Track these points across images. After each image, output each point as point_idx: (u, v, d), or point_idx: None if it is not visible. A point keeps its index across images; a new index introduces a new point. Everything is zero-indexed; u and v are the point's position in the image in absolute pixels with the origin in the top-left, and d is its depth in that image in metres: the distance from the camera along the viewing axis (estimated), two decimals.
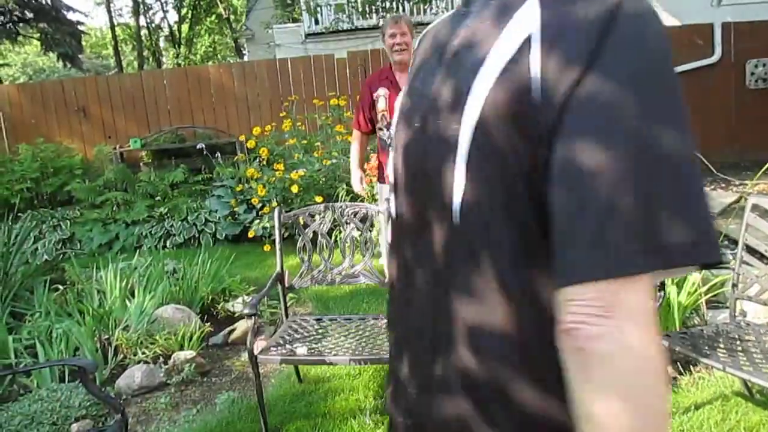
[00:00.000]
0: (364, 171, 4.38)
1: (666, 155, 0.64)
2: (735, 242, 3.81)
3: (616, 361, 0.62)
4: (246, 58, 20.77)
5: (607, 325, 0.62)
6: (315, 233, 3.23)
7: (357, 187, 4.24)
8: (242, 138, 7.28)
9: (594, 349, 0.62)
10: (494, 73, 0.72)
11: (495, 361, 0.74)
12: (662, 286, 2.70)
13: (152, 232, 6.80)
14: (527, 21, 0.71)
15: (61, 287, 4.31)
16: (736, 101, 8.29)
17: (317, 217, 3.20)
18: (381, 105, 3.94)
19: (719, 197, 6.47)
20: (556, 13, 0.69)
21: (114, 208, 7.18)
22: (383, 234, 3.88)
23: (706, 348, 2.54)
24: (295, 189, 6.04)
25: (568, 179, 0.65)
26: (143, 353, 3.57)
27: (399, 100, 1.37)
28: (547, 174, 0.67)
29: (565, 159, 0.65)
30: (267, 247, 5.86)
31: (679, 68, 8.19)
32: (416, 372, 0.86)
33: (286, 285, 3.18)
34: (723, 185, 7.28)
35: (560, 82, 0.66)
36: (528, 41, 0.69)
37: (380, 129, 3.99)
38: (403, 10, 11.10)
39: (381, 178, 4.17)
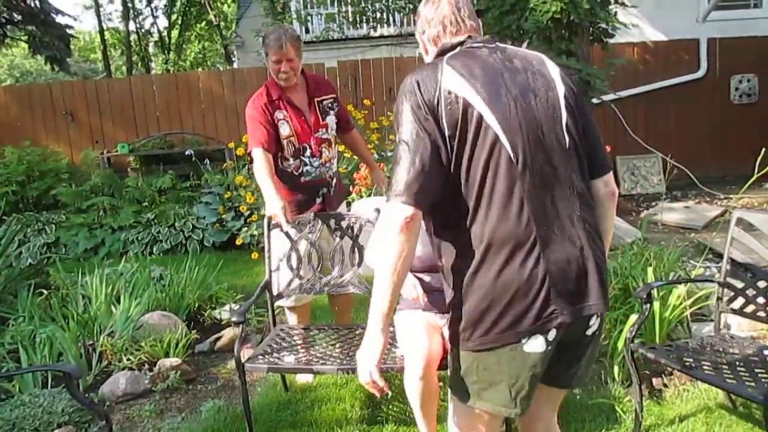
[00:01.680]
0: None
1: None
2: (720, 256, 3.85)
3: None
4: (236, 66, 20.75)
5: None
6: (305, 242, 3.23)
7: (283, 219, 3.05)
8: (231, 145, 7.25)
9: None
10: (558, 78, 1.71)
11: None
12: (648, 299, 2.72)
13: (139, 238, 6.76)
14: (552, 65, 1.75)
15: (45, 292, 4.27)
16: (721, 116, 8.39)
17: (306, 226, 3.19)
18: (285, 131, 3.24)
19: (704, 211, 6.54)
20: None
21: (100, 213, 7.13)
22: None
23: (691, 361, 2.56)
24: None
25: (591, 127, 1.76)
26: (128, 360, 3.55)
27: (462, 94, 1.60)
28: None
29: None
30: (255, 255, 5.84)
31: (666, 83, 8.30)
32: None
33: (274, 293, 3.17)
34: (708, 199, 7.36)
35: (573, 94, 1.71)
36: (560, 74, 1.73)
37: (286, 159, 3.29)
38: (393, 20, 11.15)
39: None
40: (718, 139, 8.35)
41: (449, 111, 1.54)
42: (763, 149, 3.68)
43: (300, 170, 3.30)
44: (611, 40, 6.90)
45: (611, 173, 1.78)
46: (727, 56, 8.30)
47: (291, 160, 3.29)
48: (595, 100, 6.54)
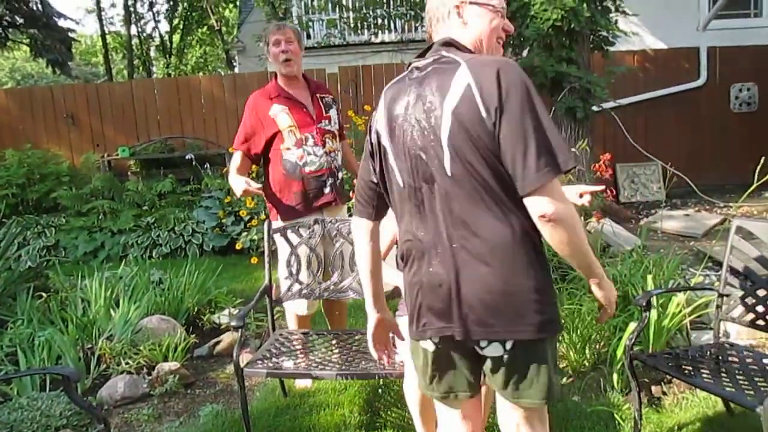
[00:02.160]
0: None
1: None
2: (719, 264, 3.85)
3: None
4: (237, 70, 20.79)
5: None
6: (304, 247, 3.23)
7: (252, 186, 3.19)
8: (232, 149, 7.25)
9: None
10: (456, 99, 1.60)
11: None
12: (647, 306, 2.72)
13: (138, 242, 6.76)
14: (465, 76, 1.59)
15: (44, 295, 4.27)
16: (720, 124, 8.40)
17: (306, 230, 3.20)
18: (284, 121, 3.28)
19: (703, 219, 6.54)
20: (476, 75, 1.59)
21: (100, 217, 7.14)
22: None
23: (690, 369, 2.56)
24: None
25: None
26: (127, 363, 3.54)
27: (377, 118, 1.78)
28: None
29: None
30: (254, 260, 5.85)
31: (666, 91, 8.31)
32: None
33: (274, 298, 3.17)
34: (707, 207, 7.36)
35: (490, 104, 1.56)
36: (469, 86, 1.58)
37: (288, 149, 3.31)
38: (394, 26, 11.18)
39: (291, 214, 3.34)
40: (717, 147, 8.36)
41: (371, 138, 1.82)
42: (763, 158, 3.69)
43: (303, 160, 3.31)
44: (612, 48, 6.91)
45: (540, 195, 1.53)
46: (727, 65, 8.32)
47: (293, 149, 3.31)
48: (595, 108, 6.55)
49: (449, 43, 1.71)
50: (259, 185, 3.27)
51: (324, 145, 3.34)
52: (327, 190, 3.35)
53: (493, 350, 1.68)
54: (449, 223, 1.65)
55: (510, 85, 1.55)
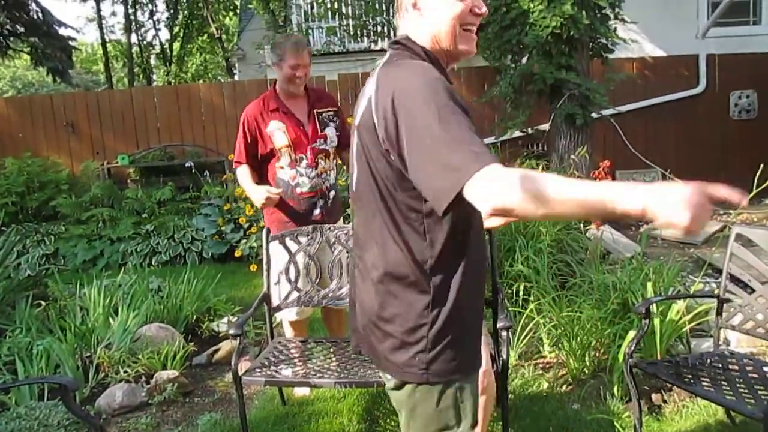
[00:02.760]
0: None
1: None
2: (719, 271, 3.85)
3: None
4: (237, 78, 20.84)
5: None
6: (303, 254, 3.22)
7: (273, 194, 3.19)
8: (231, 157, 7.22)
9: None
10: (360, 113, 1.48)
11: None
12: (647, 314, 2.71)
13: (138, 250, 6.76)
14: (371, 87, 1.44)
15: (43, 303, 4.26)
16: (720, 131, 8.40)
17: (305, 238, 3.19)
18: (280, 140, 3.27)
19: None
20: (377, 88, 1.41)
21: (99, 225, 7.13)
22: None
23: (690, 377, 2.55)
24: None
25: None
26: (125, 372, 3.53)
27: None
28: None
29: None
30: (253, 267, 5.83)
31: (665, 98, 8.31)
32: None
33: (273, 306, 3.16)
34: None
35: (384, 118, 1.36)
36: (370, 100, 1.42)
37: (282, 168, 3.30)
38: (394, 33, 11.20)
39: (283, 228, 3.29)
40: (717, 154, 8.36)
41: None
42: (762, 165, 3.68)
43: (296, 180, 3.30)
44: (611, 55, 6.93)
45: (463, 206, 1.26)
46: (726, 72, 8.33)
47: (287, 168, 3.31)
48: (594, 115, 6.56)
49: (397, 42, 1.53)
50: (278, 190, 3.24)
51: (316, 167, 3.33)
52: (317, 211, 3.35)
53: (386, 379, 1.57)
54: (354, 240, 1.62)
55: (403, 100, 1.33)
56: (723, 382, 2.50)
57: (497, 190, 1.19)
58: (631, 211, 1.12)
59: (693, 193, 1.12)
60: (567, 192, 1.17)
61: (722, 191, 1.18)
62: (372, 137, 1.41)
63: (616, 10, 6.60)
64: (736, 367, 2.63)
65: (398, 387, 1.52)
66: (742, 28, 9.41)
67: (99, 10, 21.30)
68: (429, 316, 1.43)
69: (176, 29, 23.52)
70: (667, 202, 1.10)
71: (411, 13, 1.52)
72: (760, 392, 2.39)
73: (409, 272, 1.43)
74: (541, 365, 3.59)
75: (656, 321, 3.18)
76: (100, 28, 21.39)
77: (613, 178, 8.05)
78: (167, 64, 24.07)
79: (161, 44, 24.43)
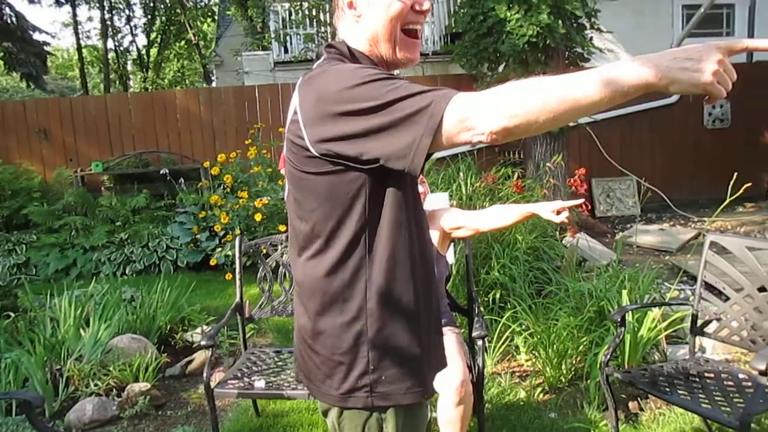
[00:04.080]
0: None
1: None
2: (694, 278, 3.87)
3: None
4: (214, 84, 20.71)
5: None
6: (277, 263, 3.18)
7: None
8: (207, 164, 7.19)
9: None
10: (288, 120, 1.32)
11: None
12: (623, 322, 2.71)
13: (111, 259, 6.65)
14: (295, 97, 1.29)
15: (12, 314, 4.15)
16: (694, 140, 8.52)
17: (279, 246, 3.15)
18: None
19: (678, 233, 6.60)
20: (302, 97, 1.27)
21: (72, 233, 7.00)
22: None
23: (666, 385, 2.55)
24: (258, 217, 5.98)
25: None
26: (96, 385, 3.45)
27: None
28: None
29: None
30: (229, 276, 5.75)
31: (641, 107, 8.41)
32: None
33: (246, 315, 3.11)
34: (682, 222, 7.43)
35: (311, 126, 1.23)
36: (296, 108, 1.27)
37: None
38: None
39: None
40: (691, 163, 8.48)
41: None
42: (736, 174, 3.72)
43: None
44: (587, 65, 6.98)
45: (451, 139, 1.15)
46: None
47: None
48: (571, 123, 6.60)
49: (331, 45, 1.38)
50: None
51: None
52: None
53: (321, 408, 1.45)
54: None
55: (321, 106, 1.21)
56: (699, 391, 2.51)
57: (493, 98, 1.08)
58: (644, 82, 1.03)
59: (711, 50, 1.02)
60: (570, 82, 1.06)
61: (745, 42, 1.06)
62: (298, 147, 1.27)
63: (593, 19, 6.67)
64: (712, 375, 2.64)
65: (324, 411, 1.43)
66: (716, 39, 9.52)
67: (75, 15, 21.09)
68: (370, 330, 1.31)
69: (153, 35, 23.36)
70: (682, 62, 1.02)
71: (347, 13, 1.37)
72: (735, 400, 2.40)
73: (351, 280, 1.30)
74: (518, 373, 3.58)
75: (632, 329, 3.19)
76: (76, 33, 21.17)
77: (589, 186, 8.13)
78: (144, 70, 23.88)
79: (138, 50, 24.26)
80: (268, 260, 3.15)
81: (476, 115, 1.08)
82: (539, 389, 3.35)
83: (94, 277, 5.52)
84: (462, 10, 7.27)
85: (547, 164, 6.19)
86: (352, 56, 1.35)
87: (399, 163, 1.15)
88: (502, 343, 3.65)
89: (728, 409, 2.33)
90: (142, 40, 25.59)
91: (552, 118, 1.07)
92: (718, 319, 2.80)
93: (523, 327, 3.66)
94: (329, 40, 11.12)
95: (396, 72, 1.50)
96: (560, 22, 6.13)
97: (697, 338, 2.98)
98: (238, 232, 6.01)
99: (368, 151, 1.17)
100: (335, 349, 1.32)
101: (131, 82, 26.17)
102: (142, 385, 3.43)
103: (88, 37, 24.02)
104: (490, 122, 1.08)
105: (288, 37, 11.50)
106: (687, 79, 1.01)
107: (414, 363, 1.35)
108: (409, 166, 1.14)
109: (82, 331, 3.87)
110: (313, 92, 1.25)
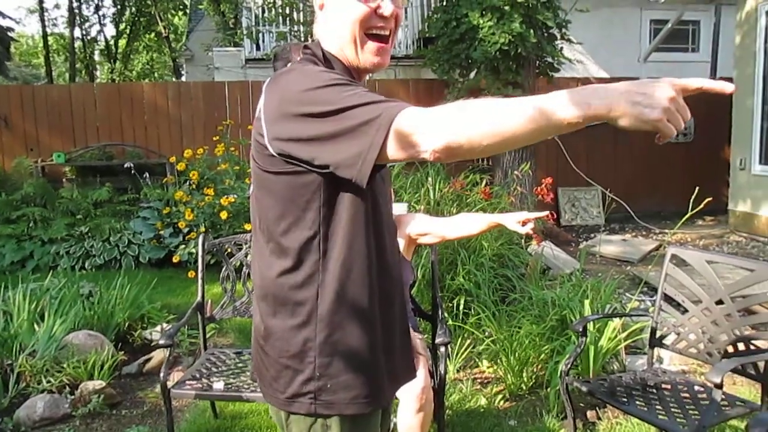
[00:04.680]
0: None
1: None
2: (654, 289, 3.93)
3: None
4: (184, 79, 20.43)
5: None
6: (241, 263, 3.14)
7: None
8: (173, 159, 7.07)
9: None
10: (255, 122, 1.28)
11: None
12: (584, 332, 2.73)
13: (70, 252, 6.49)
14: (263, 96, 1.27)
15: None
16: (658, 154, 8.66)
17: (244, 246, 3.11)
18: None
19: (640, 244, 6.71)
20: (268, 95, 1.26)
21: (30, 225, 6.81)
22: None
23: (624, 396, 2.58)
24: (224, 215, 5.90)
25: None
26: (48, 382, 3.35)
27: None
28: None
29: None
30: (192, 274, 5.68)
31: None
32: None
33: (207, 315, 3.06)
34: (644, 233, 7.56)
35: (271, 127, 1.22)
36: (260, 111, 1.26)
37: None
38: None
39: None
40: (655, 175, 8.63)
41: None
42: (697, 187, 3.79)
43: None
44: (556, 74, 7.07)
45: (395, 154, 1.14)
46: None
47: None
48: None
49: (306, 47, 1.36)
50: None
51: None
52: None
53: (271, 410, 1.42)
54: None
55: (282, 105, 1.20)
56: (656, 402, 2.54)
57: (438, 117, 1.08)
58: (595, 113, 1.00)
59: (663, 87, 1.02)
60: (515, 106, 1.03)
61: (698, 82, 1.06)
62: (259, 145, 1.26)
63: (563, 30, 6.75)
64: (669, 387, 2.68)
65: (274, 412, 1.43)
66: (682, 54, 9.78)
67: (41, 2, 20.55)
68: (319, 336, 1.29)
69: (122, 26, 22.91)
70: (633, 96, 1.00)
71: (319, 15, 1.37)
72: (690, 412, 2.43)
73: (277, 286, 1.30)
74: (479, 380, 3.59)
75: (593, 339, 3.22)
76: (42, 20, 20.64)
77: (555, 195, 8.22)
78: (112, 61, 23.43)
79: (106, 40, 23.77)
80: (231, 260, 3.10)
81: (420, 132, 1.08)
82: (500, 396, 3.36)
83: (52, 271, 5.38)
84: (435, 15, 7.30)
85: (515, 172, 6.24)
86: (325, 59, 1.34)
87: (347, 171, 1.14)
88: (465, 350, 3.66)
89: (684, 420, 2.36)
90: (110, 30, 25.07)
91: (497, 143, 1.05)
92: (678, 333, 2.84)
93: (486, 334, 3.67)
94: (302, 39, 11.14)
95: (368, 76, 1.48)
96: (532, 31, 6.19)
97: (656, 349, 3.02)
98: (202, 229, 5.93)
99: (318, 157, 1.17)
100: (283, 352, 1.30)
101: (98, 73, 25.67)
102: (97, 383, 3.35)
103: (55, 25, 23.47)
104: (432, 140, 1.07)
105: (260, 35, 11.41)
106: (637, 114, 0.98)
107: (365, 372, 1.32)
108: (356, 177, 1.13)
109: (36, 325, 3.76)
110: (278, 90, 1.24)
